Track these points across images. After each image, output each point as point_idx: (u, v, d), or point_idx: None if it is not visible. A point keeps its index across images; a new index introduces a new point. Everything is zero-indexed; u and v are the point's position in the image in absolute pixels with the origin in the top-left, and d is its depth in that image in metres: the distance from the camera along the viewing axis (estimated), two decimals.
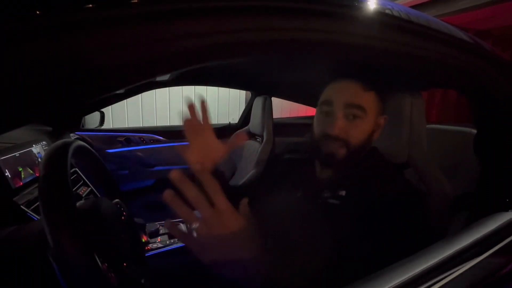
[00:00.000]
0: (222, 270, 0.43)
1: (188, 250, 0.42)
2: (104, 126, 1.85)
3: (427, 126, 0.87)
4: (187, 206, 0.40)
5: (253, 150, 1.64)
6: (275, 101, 1.69)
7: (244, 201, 0.45)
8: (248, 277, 0.43)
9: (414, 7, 2.22)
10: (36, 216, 0.89)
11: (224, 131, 2.07)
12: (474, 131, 0.75)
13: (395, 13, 0.44)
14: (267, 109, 1.59)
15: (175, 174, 0.40)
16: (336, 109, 0.63)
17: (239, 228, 0.41)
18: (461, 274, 0.45)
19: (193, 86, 3.56)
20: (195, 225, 0.40)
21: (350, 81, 0.64)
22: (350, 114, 0.62)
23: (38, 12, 0.21)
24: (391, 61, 0.53)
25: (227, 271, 0.43)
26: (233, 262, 0.42)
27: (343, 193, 0.61)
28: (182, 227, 1.15)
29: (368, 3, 0.41)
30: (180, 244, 1.19)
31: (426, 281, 0.42)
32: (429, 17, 0.50)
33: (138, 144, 1.88)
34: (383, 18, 0.43)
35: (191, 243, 0.42)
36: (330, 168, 0.67)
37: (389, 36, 0.45)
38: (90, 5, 0.22)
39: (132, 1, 0.24)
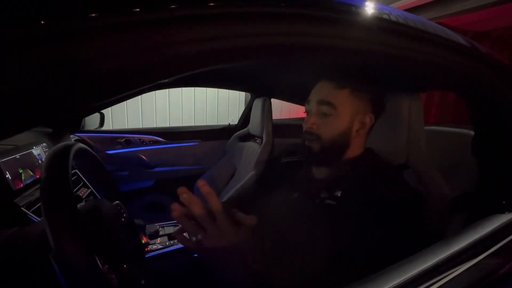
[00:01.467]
0: (222, 271, 0.47)
1: (191, 251, 0.45)
2: (104, 127, 1.85)
3: (426, 127, 0.88)
4: (192, 220, 0.44)
5: (253, 151, 1.64)
6: (275, 102, 1.69)
7: (251, 218, 0.47)
8: (246, 278, 0.46)
9: (413, 9, 2.24)
10: (36, 218, 0.89)
11: (223, 132, 2.08)
12: (472, 132, 0.76)
13: (393, 18, 0.44)
14: (267, 110, 1.60)
15: (183, 193, 0.43)
16: (311, 107, 0.69)
17: (237, 240, 0.44)
18: (459, 275, 0.45)
19: (193, 88, 3.59)
20: (200, 237, 0.44)
21: (326, 81, 0.68)
22: (321, 110, 0.66)
23: (42, 22, 0.22)
24: (389, 64, 0.54)
25: (227, 272, 0.47)
26: (232, 265, 0.46)
27: (338, 193, 0.62)
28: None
29: (366, 8, 0.42)
30: (179, 246, 1.20)
31: (424, 282, 0.42)
32: (427, 21, 0.51)
33: (138, 145, 1.88)
34: (381, 23, 0.43)
35: (196, 250, 0.45)
36: (312, 163, 0.72)
37: (387, 40, 0.45)
38: (94, 14, 0.23)
39: (134, 9, 0.24)
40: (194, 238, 0.44)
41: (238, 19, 0.31)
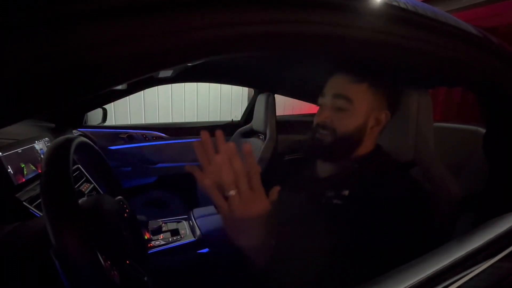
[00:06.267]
0: (238, 241, 0.49)
1: (218, 210, 0.47)
2: (107, 123, 1.85)
3: (434, 124, 0.86)
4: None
5: (256, 147, 1.63)
6: (278, 98, 1.67)
7: (275, 188, 0.50)
8: (256, 255, 0.49)
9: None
10: (38, 213, 0.89)
11: (226, 128, 2.07)
12: (481, 129, 0.74)
13: (402, 5, 0.43)
14: (270, 106, 1.58)
15: (228, 146, 0.46)
16: (326, 100, 0.67)
17: (263, 210, 0.47)
18: (475, 276, 0.43)
19: (195, 83, 3.57)
20: (232, 193, 0.45)
21: (343, 74, 0.66)
22: (337, 104, 0.65)
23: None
24: (398, 56, 0.52)
25: (242, 243, 0.49)
26: (248, 238, 0.48)
27: (346, 193, 0.60)
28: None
29: None
30: (182, 242, 1.19)
31: (437, 284, 0.41)
32: (437, 10, 0.49)
33: (140, 141, 1.88)
34: (390, 10, 0.41)
35: (223, 210, 0.46)
36: (320, 157, 0.70)
37: (396, 29, 0.43)
38: None
39: None
40: (228, 193, 0.45)
41: (249, 6, 0.29)
